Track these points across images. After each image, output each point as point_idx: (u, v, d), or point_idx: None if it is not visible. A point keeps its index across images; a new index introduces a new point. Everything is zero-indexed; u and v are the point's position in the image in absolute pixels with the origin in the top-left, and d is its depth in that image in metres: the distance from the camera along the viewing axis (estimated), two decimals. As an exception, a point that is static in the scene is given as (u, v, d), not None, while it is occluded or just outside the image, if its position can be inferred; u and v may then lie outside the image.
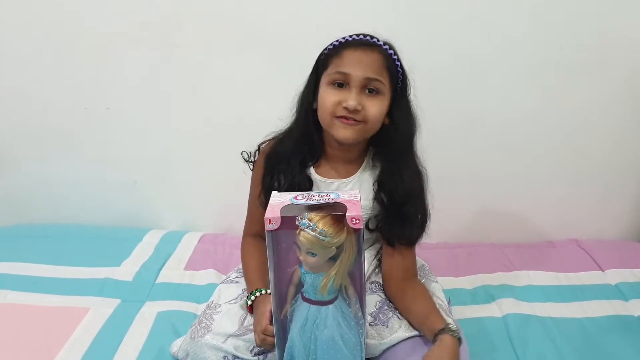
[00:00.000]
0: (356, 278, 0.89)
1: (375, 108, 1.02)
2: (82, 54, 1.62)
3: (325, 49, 1.06)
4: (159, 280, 1.47)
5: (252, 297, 1.08)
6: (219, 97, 1.65)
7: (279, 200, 0.89)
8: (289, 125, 1.13)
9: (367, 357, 1.07)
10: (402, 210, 1.08)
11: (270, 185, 1.12)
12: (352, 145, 1.08)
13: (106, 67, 1.63)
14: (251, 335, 1.07)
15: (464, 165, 1.69)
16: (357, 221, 0.84)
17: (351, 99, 1.00)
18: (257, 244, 1.20)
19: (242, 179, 1.21)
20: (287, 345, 0.94)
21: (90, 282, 1.44)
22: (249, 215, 1.23)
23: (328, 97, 1.02)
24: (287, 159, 1.11)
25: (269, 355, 1.08)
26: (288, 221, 0.84)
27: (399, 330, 1.07)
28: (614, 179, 1.72)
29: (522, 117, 1.64)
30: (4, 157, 1.79)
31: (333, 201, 0.87)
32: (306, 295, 0.91)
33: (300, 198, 0.89)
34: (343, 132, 1.03)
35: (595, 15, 1.52)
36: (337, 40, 1.05)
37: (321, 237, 0.84)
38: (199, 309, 1.34)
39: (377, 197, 1.11)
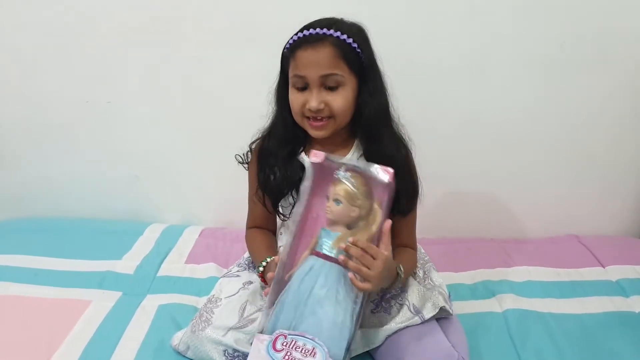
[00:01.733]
0: None
1: (339, 101, 1.02)
2: (83, 48, 1.62)
3: (285, 47, 1.05)
4: (160, 273, 1.47)
5: (264, 263, 1.09)
6: (220, 92, 1.65)
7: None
8: (271, 120, 1.15)
9: (369, 346, 1.09)
10: None
11: (264, 181, 1.13)
12: (332, 135, 1.08)
13: (107, 61, 1.63)
14: (251, 327, 1.08)
15: (464, 161, 1.69)
16: (389, 173, 0.92)
17: (312, 100, 1.01)
18: (261, 230, 1.22)
19: (243, 173, 1.22)
20: (281, 297, 0.95)
21: (91, 275, 1.44)
22: (250, 212, 1.24)
23: (294, 101, 1.04)
24: (275, 152, 1.12)
25: None
26: (323, 171, 0.95)
27: (398, 316, 1.07)
28: (615, 175, 1.72)
29: (522, 114, 1.64)
30: (5, 152, 1.79)
31: (367, 165, 0.95)
32: (317, 249, 0.96)
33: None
34: (315, 132, 1.06)
35: (595, 11, 1.51)
36: (292, 38, 1.03)
37: (351, 186, 0.93)
38: (199, 302, 1.35)
39: None
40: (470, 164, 1.70)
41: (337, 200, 0.94)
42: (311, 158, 0.95)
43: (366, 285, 0.92)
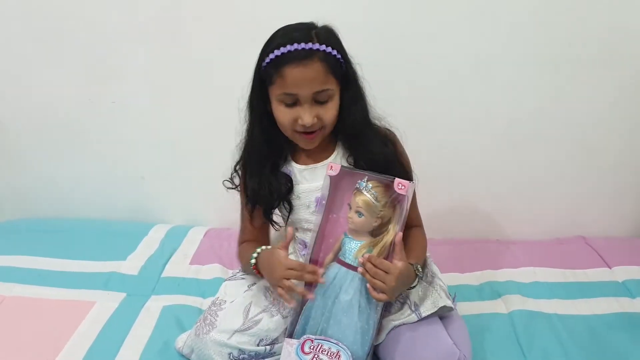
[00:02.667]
0: (389, 259, 0.98)
1: (330, 113, 1.03)
2: (88, 48, 1.62)
3: (266, 58, 1.01)
4: (165, 274, 1.48)
5: (255, 254, 1.09)
6: (225, 92, 1.64)
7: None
8: (246, 135, 1.13)
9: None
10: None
11: (253, 196, 1.13)
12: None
13: (112, 61, 1.63)
14: (256, 329, 1.08)
15: (471, 162, 1.68)
16: (403, 187, 0.96)
17: (305, 116, 1.00)
18: (253, 243, 1.20)
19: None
20: (308, 303, 1.01)
21: (96, 276, 1.44)
22: (242, 228, 1.23)
23: (283, 116, 1.03)
24: (258, 168, 1.12)
25: (276, 346, 1.09)
26: (343, 180, 1.01)
27: (397, 314, 1.08)
28: (623, 176, 1.71)
29: (530, 113, 1.62)
30: (10, 153, 1.80)
31: (386, 175, 1.00)
32: (341, 257, 1.01)
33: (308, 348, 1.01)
34: (306, 144, 1.08)
35: (604, 9, 1.50)
36: (273, 51, 0.99)
37: (372, 199, 0.96)
38: (204, 303, 1.35)
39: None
40: (477, 164, 1.69)
41: (359, 212, 0.98)
42: (328, 172, 1.00)
43: (382, 297, 0.96)
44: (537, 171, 1.70)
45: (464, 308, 1.30)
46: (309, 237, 1.15)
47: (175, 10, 1.56)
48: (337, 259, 1.01)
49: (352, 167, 1.03)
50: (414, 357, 1.03)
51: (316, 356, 0.98)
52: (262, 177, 1.11)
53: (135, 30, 1.59)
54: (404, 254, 0.98)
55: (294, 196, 1.13)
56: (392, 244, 0.97)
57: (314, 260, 1.03)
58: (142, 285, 1.42)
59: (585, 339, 1.23)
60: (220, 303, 1.16)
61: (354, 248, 0.99)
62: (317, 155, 1.13)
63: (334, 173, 1.00)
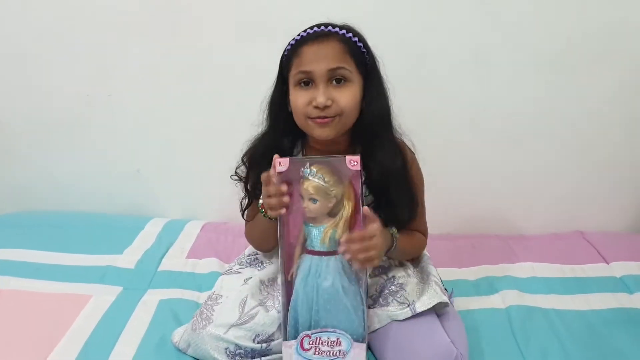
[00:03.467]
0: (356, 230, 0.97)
1: (347, 97, 0.99)
2: (84, 42, 1.62)
3: (285, 50, 1.04)
4: (161, 268, 1.47)
5: (260, 202, 1.07)
6: (222, 86, 1.64)
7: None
8: (262, 131, 1.12)
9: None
10: (385, 194, 1.06)
11: (252, 189, 1.12)
12: (336, 139, 1.05)
13: (108, 55, 1.63)
14: (253, 324, 1.08)
15: (469, 157, 1.68)
16: (355, 163, 0.94)
17: (319, 95, 0.98)
18: None
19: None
20: (292, 297, 1.00)
21: (92, 270, 1.44)
22: (247, 220, 1.21)
23: (298, 99, 1.01)
24: (267, 155, 1.07)
25: (272, 343, 1.08)
26: (295, 170, 0.96)
27: (392, 308, 1.08)
28: (621, 172, 1.71)
29: (527, 109, 1.63)
30: (6, 147, 1.79)
31: (332, 157, 0.97)
32: (309, 247, 0.99)
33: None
34: (320, 132, 1.02)
35: (603, 5, 1.50)
36: (293, 39, 1.02)
37: (321, 182, 0.94)
38: (200, 297, 1.35)
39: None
40: (475, 160, 1.69)
41: (312, 199, 0.95)
42: (277, 168, 0.95)
43: (374, 264, 0.96)
44: (535, 166, 1.70)
45: (461, 303, 1.30)
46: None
47: (174, 5, 1.56)
48: (305, 249, 1.00)
49: (298, 157, 1.00)
50: (411, 354, 1.03)
51: (317, 349, 0.98)
52: (263, 168, 1.08)
53: (132, 24, 1.59)
54: (374, 217, 0.96)
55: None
56: (356, 217, 0.96)
57: (285, 254, 1.00)
58: (139, 279, 1.41)
59: (583, 335, 1.22)
60: (216, 297, 1.16)
61: (318, 234, 0.97)
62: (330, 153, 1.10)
63: (283, 168, 0.95)
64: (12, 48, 1.64)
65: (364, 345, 0.99)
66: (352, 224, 0.97)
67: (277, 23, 1.54)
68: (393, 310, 1.07)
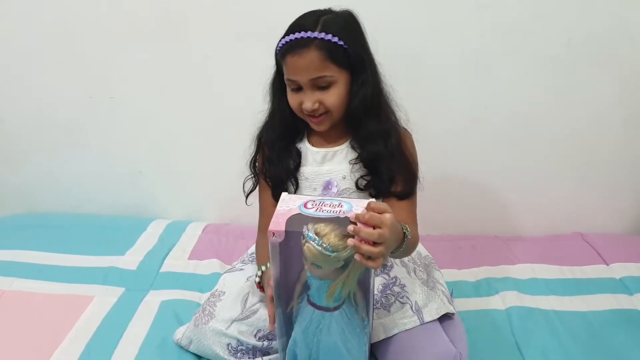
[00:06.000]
0: (365, 286, 0.86)
1: (332, 98, 1.05)
2: (87, 44, 1.63)
3: (277, 46, 1.07)
4: (163, 269, 1.48)
5: (259, 272, 1.10)
6: (223, 87, 1.65)
7: (286, 207, 0.84)
8: (268, 113, 1.17)
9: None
10: (379, 170, 1.11)
11: (266, 170, 1.17)
12: (333, 125, 1.11)
13: (110, 57, 1.64)
14: (254, 319, 1.09)
15: (469, 158, 1.68)
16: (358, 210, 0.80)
17: (306, 101, 1.05)
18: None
19: (246, 169, 1.22)
20: (290, 342, 0.95)
21: (94, 271, 1.45)
22: (261, 211, 1.23)
23: (292, 101, 1.08)
24: (273, 143, 1.16)
25: (273, 342, 1.09)
26: (297, 225, 0.81)
27: (398, 314, 1.07)
28: (621, 173, 1.71)
29: (528, 110, 1.62)
30: (9, 148, 1.81)
31: (344, 215, 0.81)
32: (312, 299, 0.89)
33: (310, 206, 0.84)
34: (316, 127, 1.11)
35: (603, 6, 1.50)
36: (280, 41, 1.06)
37: (326, 253, 0.80)
38: (202, 298, 1.35)
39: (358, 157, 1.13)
40: (474, 161, 1.69)
41: (315, 264, 0.83)
42: (271, 239, 0.82)
43: (377, 262, 0.82)
44: (534, 168, 1.70)
45: (461, 304, 1.31)
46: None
47: (175, 7, 1.56)
48: (308, 298, 0.89)
49: (298, 212, 0.83)
50: (411, 355, 1.03)
51: None
52: (276, 151, 1.15)
53: (134, 27, 1.59)
54: (386, 206, 0.86)
55: (302, 176, 1.16)
56: (366, 272, 0.85)
57: (284, 286, 0.89)
58: (141, 280, 1.42)
59: (583, 336, 1.23)
60: (219, 294, 1.16)
61: (324, 290, 0.86)
62: (333, 139, 1.16)
63: (278, 240, 0.81)
64: (15, 50, 1.65)
65: None
66: (361, 283, 0.86)
67: (276, 24, 1.54)
68: (400, 319, 1.06)
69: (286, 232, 0.81)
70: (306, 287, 0.88)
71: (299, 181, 1.16)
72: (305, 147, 1.18)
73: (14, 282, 1.38)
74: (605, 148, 1.68)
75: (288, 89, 1.08)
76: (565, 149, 1.68)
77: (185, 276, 1.45)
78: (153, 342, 1.18)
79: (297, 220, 0.82)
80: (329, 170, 1.15)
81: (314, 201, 0.86)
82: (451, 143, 1.66)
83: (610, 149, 1.68)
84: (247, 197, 1.23)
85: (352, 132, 1.14)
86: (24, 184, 1.85)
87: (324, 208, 0.84)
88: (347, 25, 1.06)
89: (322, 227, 0.80)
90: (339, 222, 0.80)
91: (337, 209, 0.83)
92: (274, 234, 0.82)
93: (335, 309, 0.88)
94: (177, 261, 1.52)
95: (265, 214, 1.22)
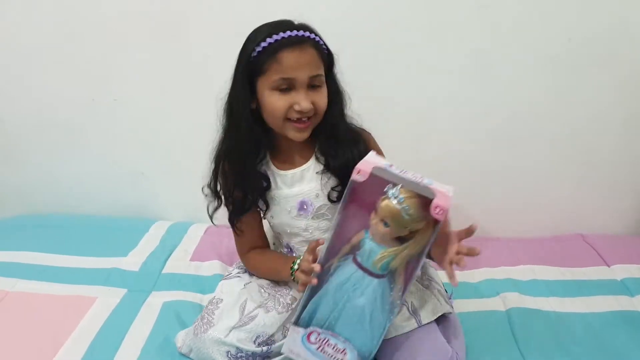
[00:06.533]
0: (411, 269, 0.90)
1: (323, 99, 1.04)
2: (89, 46, 1.62)
3: (254, 50, 1.01)
4: (165, 270, 1.48)
5: (295, 267, 1.05)
6: (225, 88, 1.64)
7: (374, 160, 0.87)
8: (226, 135, 1.12)
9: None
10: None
11: (235, 194, 1.12)
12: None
13: (113, 59, 1.63)
14: (253, 325, 1.09)
15: (469, 159, 1.68)
16: (440, 212, 0.82)
17: (303, 101, 1.00)
18: (261, 250, 1.21)
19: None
20: (315, 296, 0.95)
21: (97, 272, 1.45)
22: (240, 237, 1.20)
23: (277, 103, 1.01)
24: (238, 170, 1.11)
25: (273, 346, 1.09)
26: (373, 181, 0.84)
27: (396, 317, 1.07)
28: (622, 174, 1.71)
29: (528, 111, 1.62)
30: (12, 150, 1.81)
31: (424, 185, 0.83)
32: (359, 259, 0.92)
33: (394, 169, 0.86)
34: (298, 135, 1.05)
35: (603, 6, 1.50)
36: (266, 41, 1.00)
37: (404, 214, 0.84)
38: (204, 299, 1.36)
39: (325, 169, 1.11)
40: (475, 162, 1.69)
41: (384, 222, 0.87)
42: (354, 176, 0.84)
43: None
44: (535, 169, 1.70)
45: (462, 305, 1.31)
46: (294, 241, 1.17)
47: (176, 8, 1.56)
48: (354, 257, 0.92)
49: (382, 168, 0.85)
50: (407, 356, 1.03)
51: (322, 348, 0.96)
52: (240, 175, 1.11)
53: (135, 29, 1.59)
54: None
55: (273, 200, 1.13)
56: (417, 261, 0.88)
57: (331, 247, 0.93)
58: (143, 281, 1.43)
59: (584, 337, 1.23)
60: (216, 302, 1.17)
61: (375, 253, 0.89)
62: (297, 159, 1.13)
63: (361, 179, 0.84)
64: (15, 50, 1.65)
65: None
66: (411, 261, 0.89)
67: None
68: (398, 322, 1.07)
69: (371, 174, 0.83)
70: (355, 248, 0.92)
71: (270, 205, 1.14)
72: (271, 170, 1.13)
73: (17, 284, 1.39)
74: (605, 148, 1.68)
75: (272, 93, 1.01)
76: (565, 149, 1.68)
77: (187, 277, 1.45)
78: (155, 343, 1.19)
79: (380, 175, 0.85)
80: (300, 191, 1.12)
81: (399, 168, 0.87)
82: (451, 143, 1.66)
83: (610, 149, 1.68)
84: (211, 217, 1.19)
85: (318, 143, 1.11)
86: (24, 184, 1.85)
87: (407, 174, 0.85)
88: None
89: (406, 191, 0.84)
90: (420, 189, 0.83)
91: (419, 178, 0.84)
92: (359, 171, 0.84)
93: (377, 276, 0.91)
94: (179, 262, 1.52)
95: (245, 237, 1.19)
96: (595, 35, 1.53)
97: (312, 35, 1.01)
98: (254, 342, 1.09)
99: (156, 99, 1.69)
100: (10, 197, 1.87)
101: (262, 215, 1.18)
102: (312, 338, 0.96)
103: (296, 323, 0.98)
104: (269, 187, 1.12)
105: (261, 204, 1.14)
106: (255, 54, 1.01)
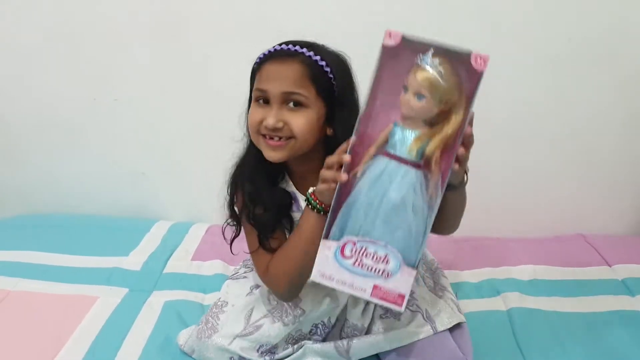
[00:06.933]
0: (446, 158, 0.82)
1: (300, 121, 0.92)
2: (90, 45, 1.63)
3: (255, 63, 0.98)
4: (166, 270, 1.48)
5: (310, 191, 0.94)
6: (226, 89, 1.64)
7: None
8: (245, 148, 1.05)
9: (374, 351, 1.08)
10: None
11: (253, 217, 1.03)
12: (310, 155, 0.99)
13: (114, 59, 1.64)
14: (258, 335, 1.08)
15: (470, 159, 1.68)
16: (482, 62, 0.77)
17: (270, 116, 0.92)
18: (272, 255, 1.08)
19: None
20: (346, 201, 0.83)
21: (98, 272, 1.45)
22: (259, 257, 1.06)
23: (252, 115, 0.96)
24: (256, 185, 1.02)
25: (275, 356, 1.09)
26: (406, 54, 0.77)
27: (411, 324, 1.07)
28: (622, 174, 1.71)
29: (528, 110, 1.63)
30: (13, 149, 1.81)
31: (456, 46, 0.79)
32: (389, 149, 0.82)
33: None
34: (271, 154, 0.96)
35: (604, 5, 1.50)
36: (262, 53, 0.97)
37: (439, 77, 0.77)
38: (205, 299, 1.36)
39: None
40: (475, 162, 1.67)
41: (419, 94, 0.77)
42: (385, 40, 0.76)
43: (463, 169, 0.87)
44: (535, 169, 1.70)
45: (463, 305, 1.30)
46: None
47: (177, 8, 1.56)
48: (384, 151, 0.82)
49: (414, 36, 0.77)
50: (417, 359, 1.04)
51: (359, 261, 0.82)
52: (262, 194, 1.02)
53: (137, 29, 1.59)
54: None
55: (295, 223, 1.04)
56: (455, 139, 0.80)
57: (354, 152, 0.83)
58: (144, 280, 1.43)
59: (585, 337, 1.23)
60: (222, 305, 1.16)
61: (408, 139, 0.80)
62: (312, 177, 0.98)
63: (392, 43, 0.76)
64: (15, 50, 1.65)
65: (414, 272, 0.82)
66: (447, 145, 0.80)
67: (277, 24, 1.55)
68: (414, 328, 1.07)
69: (403, 38, 0.76)
70: (384, 143, 0.82)
71: (293, 226, 1.04)
72: (291, 190, 1.05)
73: (18, 283, 1.39)
74: (605, 148, 1.68)
75: (253, 103, 0.97)
76: (566, 149, 1.68)
77: (188, 277, 1.45)
78: (156, 342, 1.19)
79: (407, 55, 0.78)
80: None
81: None
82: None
83: (610, 149, 1.68)
84: (231, 244, 1.11)
85: None
86: (24, 184, 1.85)
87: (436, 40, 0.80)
88: (338, 61, 0.97)
89: (441, 60, 0.78)
90: (453, 48, 0.79)
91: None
92: (390, 35, 0.76)
93: (414, 165, 0.81)
94: (180, 262, 1.52)
95: (263, 251, 1.04)
96: (595, 35, 1.53)
97: (309, 53, 0.93)
98: (257, 350, 1.08)
99: (156, 99, 1.69)
100: (10, 197, 1.87)
101: (286, 235, 1.07)
102: (347, 251, 0.83)
103: (326, 237, 0.84)
104: (290, 205, 1.04)
105: (286, 221, 1.05)
106: (255, 65, 0.99)
